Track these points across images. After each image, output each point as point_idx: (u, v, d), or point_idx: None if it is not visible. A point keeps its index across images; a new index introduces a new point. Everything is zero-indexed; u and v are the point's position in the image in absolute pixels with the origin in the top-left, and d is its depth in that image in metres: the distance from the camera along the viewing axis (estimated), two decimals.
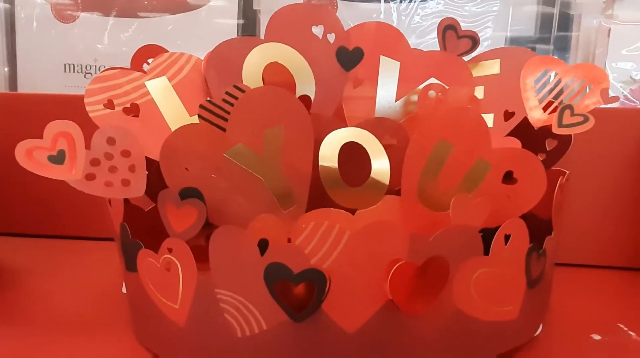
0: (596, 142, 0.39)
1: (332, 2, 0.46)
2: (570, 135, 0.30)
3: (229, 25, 0.49)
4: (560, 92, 0.27)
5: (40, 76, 0.52)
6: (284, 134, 0.24)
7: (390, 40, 0.30)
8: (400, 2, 0.46)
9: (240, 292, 0.23)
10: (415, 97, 0.29)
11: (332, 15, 0.29)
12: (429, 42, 0.46)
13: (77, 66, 0.51)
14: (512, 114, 0.29)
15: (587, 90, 0.26)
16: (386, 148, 0.27)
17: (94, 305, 0.33)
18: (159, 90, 0.28)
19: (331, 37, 0.29)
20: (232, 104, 0.26)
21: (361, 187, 0.25)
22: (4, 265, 0.39)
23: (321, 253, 0.22)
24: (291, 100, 0.24)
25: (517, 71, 0.28)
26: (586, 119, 0.25)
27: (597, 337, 0.29)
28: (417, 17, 0.46)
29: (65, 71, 0.51)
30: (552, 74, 0.27)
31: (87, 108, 0.26)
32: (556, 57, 0.27)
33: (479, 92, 0.29)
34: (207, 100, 0.26)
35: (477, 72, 0.30)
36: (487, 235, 0.24)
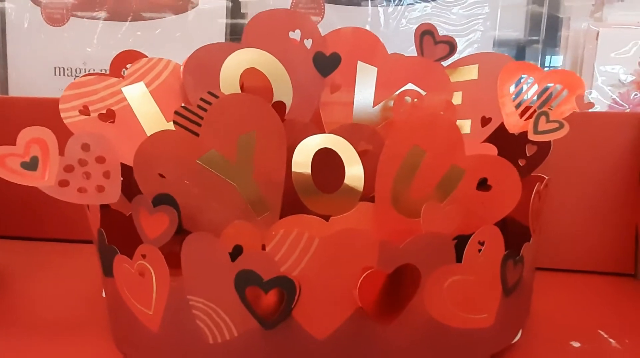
0: (583, 145, 0.39)
1: (319, 5, 0.46)
2: (550, 141, 0.30)
3: (217, 27, 0.49)
4: (537, 98, 0.27)
5: (30, 79, 0.52)
6: (256, 140, 0.24)
7: (367, 45, 0.30)
8: (388, 5, 0.46)
9: (212, 299, 0.23)
10: (392, 103, 0.29)
11: (309, 21, 0.29)
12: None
13: (67, 69, 0.51)
14: (489, 120, 0.29)
15: (564, 95, 0.26)
16: (362, 154, 0.27)
17: (74, 308, 0.33)
18: (136, 96, 0.28)
19: (308, 43, 0.29)
20: (206, 110, 0.26)
21: (335, 193, 0.25)
22: None
23: (291, 260, 0.22)
24: (264, 107, 0.24)
25: (494, 77, 0.28)
26: (561, 126, 0.25)
27: (576, 344, 0.29)
28: (404, 20, 0.46)
29: (55, 74, 0.52)
30: (529, 80, 0.27)
31: (62, 114, 0.26)
32: (533, 63, 0.27)
33: (457, 97, 0.29)
34: (182, 106, 0.26)
35: (455, 78, 0.29)
36: (461, 242, 0.24)
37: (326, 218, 0.25)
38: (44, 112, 0.43)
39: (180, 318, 0.24)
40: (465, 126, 0.29)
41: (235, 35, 0.49)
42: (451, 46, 0.29)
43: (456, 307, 0.24)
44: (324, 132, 0.29)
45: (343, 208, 0.25)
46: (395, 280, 0.23)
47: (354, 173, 0.26)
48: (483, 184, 0.25)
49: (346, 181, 0.25)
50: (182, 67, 0.29)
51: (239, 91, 0.29)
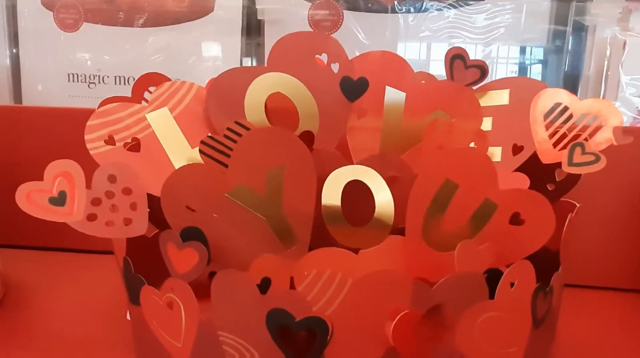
0: (608, 159, 0.38)
1: (337, 13, 0.45)
2: None
3: (233, 33, 0.48)
4: (571, 127, 0.26)
5: (44, 86, 0.51)
6: (285, 174, 0.24)
7: (395, 69, 0.29)
8: (408, 12, 0.45)
9: (242, 336, 0.23)
10: (420, 127, 0.28)
11: (336, 44, 0.28)
12: (436, 53, 0.45)
13: (81, 75, 0.51)
14: (521, 148, 0.28)
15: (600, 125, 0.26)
16: (390, 181, 0.26)
17: (96, 325, 0.32)
18: (160, 122, 0.27)
19: (335, 67, 0.28)
20: (233, 140, 0.25)
21: (365, 227, 0.25)
22: (7, 279, 0.39)
23: (323, 301, 0.22)
24: (293, 140, 0.24)
25: (527, 103, 0.27)
26: (597, 159, 0.24)
27: None
28: (424, 27, 0.45)
29: (69, 81, 0.51)
30: (564, 108, 0.26)
31: (88, 146, 0.25)
32: (567, 91, 0.26)
33: (487, 123, 0.28)
34: (209, 136, 0.25)
35: (485, 102, 0.29)
36: (492, 275, 0.24)
37: (355, 250, 0.25)
38: (59, 123, 0.43)
39: (211, 353, 0.24)
40: (496, 153, 0.28)
41: (251, 40, 0.49)
42: (482, 70, 0.28)
43: (487, 343, 0.24)
44: (351, 159, 0.29)
45: (373, 242, 0.25)
46: (428, 320, 0.22)
47: (384, 205, 0.25)
48: (515, 218, 0.25)
49: (376, 214, 0.25)
50: (205, 92, 0.29)
51: (264, 117, 0.28)
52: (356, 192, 0.25)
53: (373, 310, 0.22)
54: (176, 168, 0.26)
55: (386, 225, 0.25)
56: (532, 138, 0.27)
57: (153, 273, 0.26)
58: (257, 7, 0.46)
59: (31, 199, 0.23)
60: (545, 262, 0.27)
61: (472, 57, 0.30)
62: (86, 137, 0.25)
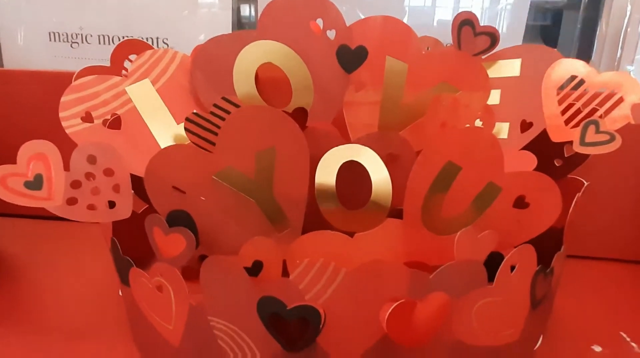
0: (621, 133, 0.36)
1: None
2: None
3: None
4: (587, 102, 0.24)
5: (24, 46, 0.48)
6: (276, 156, 0.22)
7: (397, 38, 0.26)
8: None
9: (234, 322, 0.22)
10: (423, 101, 0.26)
11: (333, 9, 0.25)
12: (440, 24, 0.41)
13: (63, 34, 0.48)
14: (530, 124, 0.26)
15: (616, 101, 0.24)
16: (389, 160, 0.25)
17: (90, 302, 0.32)
18: (142, 96, 0.25)
19: (331, 34, 0.26)
20: (221, 118, 0.23)
21: (360, 210, 0.24)
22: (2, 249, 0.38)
23: (316, 289, 0.21)
24: (284, 120, 0.22)
25: (539, 75, 0.25)
26: (612, 139, 0.23)
27: (598, 349, 0.29)
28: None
29: (50, 40, 0.48)
30: (580, 81, 0.24)
31: (63, 124, 0.24)
32: (582, 61, 0.24)
33: (495, 96, 0.26)
34: (194, 113, 0.23)
35: (494, 73, 0.26)
36: (494, 258, 0.23)
37: (351, 234, 0.24)
38: (42, 85, 0.41)
39: (202, 337, 0.24)
40: (502, 130, 0.26)
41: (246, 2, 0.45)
42: (493, 38, 0.26)
43: (484, 327, 0.23)
44: (347, 136, 0.27)
45: (369, 225, 0.24)
46: (424, 307, 0.22)
47: (381, 185, 0.24)
48: (520, 201, 0.24)
49: (373, 197, 0.23)
50: (190, 61, 0.26)
51: (255, 89, 0.26)
52: (351, 172, 0.24)
53: (368, 300, 0.21)
54: (161, 145, 0.25)
55: (383, 207, 0.24)
56: (542, 113, 0.25)
57: (142, 253, 0.25)
58: None
59: (5, 183, 0.21)
60: (548, 241, 0.26)
61: (481, 9, 0.27)
62: (61, 114, 0.24)
